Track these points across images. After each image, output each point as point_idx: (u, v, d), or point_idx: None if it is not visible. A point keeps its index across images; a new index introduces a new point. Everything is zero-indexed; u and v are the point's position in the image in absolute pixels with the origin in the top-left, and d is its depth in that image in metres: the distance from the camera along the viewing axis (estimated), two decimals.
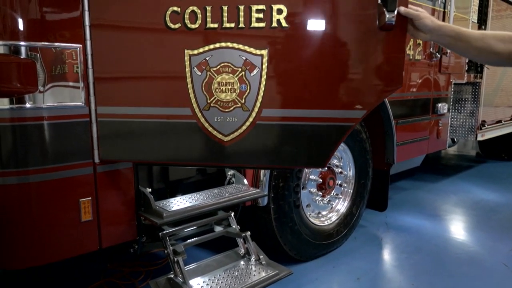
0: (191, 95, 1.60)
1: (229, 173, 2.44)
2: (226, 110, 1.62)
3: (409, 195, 4.82)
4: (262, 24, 1.56)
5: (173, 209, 1.95)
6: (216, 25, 1.57)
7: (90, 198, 1.78)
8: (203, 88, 1.62)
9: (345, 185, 3.24)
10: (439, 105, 4.19)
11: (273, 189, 2.64)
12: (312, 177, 2.98)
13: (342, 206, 3.24)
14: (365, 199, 3.40)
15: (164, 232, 2.04)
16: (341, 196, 3.22)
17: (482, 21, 4.87)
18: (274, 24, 1.57)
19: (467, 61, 4.58)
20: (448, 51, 4.04)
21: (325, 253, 3.11)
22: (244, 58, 1.59)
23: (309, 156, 1.68)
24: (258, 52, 1.58)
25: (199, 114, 1.64)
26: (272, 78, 1.61)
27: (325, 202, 3.10)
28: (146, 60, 1.62)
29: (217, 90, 1.60)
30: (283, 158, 1.68)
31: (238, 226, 2.35)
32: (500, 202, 4.60)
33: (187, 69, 1.58)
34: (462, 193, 4.98)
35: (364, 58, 1.61)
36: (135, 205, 1.95)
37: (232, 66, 1.59)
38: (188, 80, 1.58)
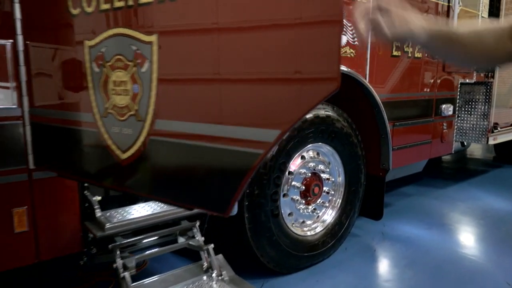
0: (92, 97, 1.33)
1: None
2: (121, 118, 1.29)
3: (412, 202, 4.52)
4: None
5: (120, 219, 1.79)
6: (108, 6, 1.25)
7: (26, 207, 1.63)
8: (101, 89, 1.32)
9: (333, 192, 3.01)
10: (443, 106, 3.91)
11: (247, 196, 2.45)
12: (294, 183, 2.76)
13: (329, 215, 3.01)
14: (356, 208, 3.16)
15: (115, 244, 1.87)
16: (328, 204, 2.99)
17: (494, 16, 4.54)
18: None
19: None
20: None
21: (309, 265, 2.89)
22: (134, 48, 1.25)
23: (207, 195, 1.23)
24: (146, 39, 1.21)
25: (99, 122, 1.34)
26: (164, 76, 1.22)
27: (310, 210, 2.88)
28: (62, 55, 1.43)
29: (113, 92, 1.29)
30: (178, 193, 1.27)
31: (203, 238, 2.17)
32: (511, 212, 4.26)
33: (87, 65, 1.33)
34: (471, 200, 4.64)
35: (288, 48, 1.09)
36: (80, 215, 1.79)
37: (124, 60, 1.27)
38: (89, 78, 1.33)
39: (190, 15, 1.14)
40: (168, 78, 1.23)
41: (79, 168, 1.48)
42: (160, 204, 2.11)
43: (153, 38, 1.21)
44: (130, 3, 1.22)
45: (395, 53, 3.27)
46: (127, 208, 2.04)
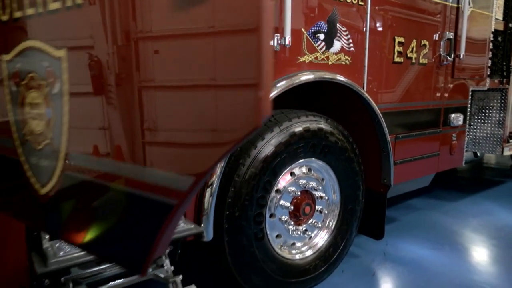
0: (11, 120, 1.14)
1: None
2: (38, 147, 1.11)
3: (420, 217, 4.23)
4: (57, 5, 0.99)
5: (69, 251, 1.59)
6: (20, 14, 1.07)
7: None
8: (19, 111, 1.14)
9: (327, 211, 2.76)
10: (453, 116, 3.61)
11: (227, 219, 2.23)
12: (282, 202, 2.53)
13: (322, 236, 2.77)
14: (353, 228, 2.91)
15: (67, 276, 1.68)
16: (320, 225, 2.74)
17: (509, 18, 4.22)
18: (69, 2, 0.97)
19: (489, 64, 3.95)
20: (463, 52, 3.45)
21: None
22: (46, 64, 1.06)
23: (121, 249, 1.00)
24: (56, 53, 1.02)
25: (19, 149, 1.16)
26: (76, 98, 1.02)
27: (301, 231, 2.64)
28: None
29: (29, 115, 1.11)
30: (93, 241, 1.02)
31: (172, 267, 1.96)
32: None
33: (5, 82, 1.14)
34: (484, 216, 4.32)
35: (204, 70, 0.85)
36: (26, 244, 1.60)
37: (37, 79, 1.08)
38: (7, 98, 1.13)
39: (100, 25, 0.92)
40: (78, 102, 1.02)
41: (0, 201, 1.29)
42: None
43: (62, 53, 1.01)
44: (40, 10, 1.03)
45: (397, 59, 3.01)
46: None
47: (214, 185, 2.16)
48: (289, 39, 2.18)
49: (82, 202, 1.04)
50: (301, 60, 2.43)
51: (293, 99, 2.68)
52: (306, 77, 2.52)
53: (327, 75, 2.59)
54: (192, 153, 0.83)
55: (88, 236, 0.98)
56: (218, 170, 2.17)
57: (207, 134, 0.80)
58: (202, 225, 2.11)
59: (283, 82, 2.43)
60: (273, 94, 2.34)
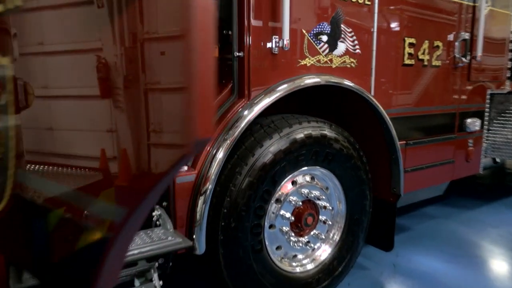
0: None
1: (154, 213, 1.96)
2: None
3: (434, 226, 4.02)
4: None
5: None
6: None
7: None
8: None
9: (331, 222, 2.63)
10: (469, 120, 3.42)
11: (222, 230, 2.12)
12: (283, 213, 2.41)
13: (325, 248, 2.63)
14: (359, 239, 2.76)
15: None
16: (324, 236, 2.61)
17: None
18: None
19: (509, 66, 3.73)
20: (480, 53, 3.26)
21: None
22: None
23: (65, 279, 0.89)
24: (1, 61, 0.91)
25: None
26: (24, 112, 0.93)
27: (303, 243, 2.51)
28: None
29: None
30: (36, 268, 0.97)
31: (161, 282, 1.86)
32: None
33: None
34: (504, 226, 4.08)
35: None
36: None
37: None
38: None
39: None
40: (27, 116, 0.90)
41: None
42: None
43: (5, 60, 0.92)
44: None
45: (407, 61, 2.85)
46: None
47: (208, 194, 2.05)
48: (287, 41, 2.07)
49: (26, 226, 0.94)
50: (302, 63, 2.31)
51: (295, 104, 2.57)
52: (312, 80, 2.40)
53: (333, 79, 2.46)
54: (124, 187, 0.73)
55: (32, 263, 0.90)
56: (212, 177, 2.06)
57: (135, 166, 0.69)
58: (194, 236, 2.01)
59: (285, 86, 2.31)
60: (274, 98, 2.23)
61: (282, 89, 2.30)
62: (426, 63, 2.98)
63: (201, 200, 2.04)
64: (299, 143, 2.31)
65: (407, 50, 2.83)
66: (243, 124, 2.17)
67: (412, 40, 2.85)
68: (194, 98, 0.57)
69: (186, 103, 0.58)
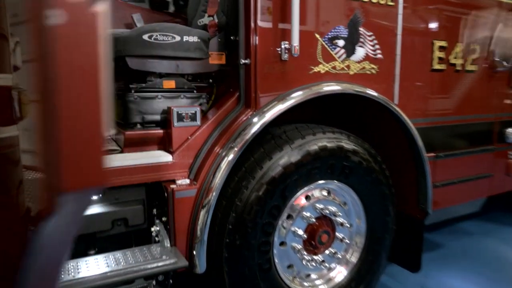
0: None
1: (153, 228, 1.88)
2: None
3: (469, 244, 3.69)
4: None
5: None
6: None
7: None
8: None
9: (348, 241, 2.43)
10: (509, 130, 3.10)
11: (227, 247, 2.01)
12: (295, 229, 2.26)
13: (342, 268, 2.44)
14: (381, 259, 2.54)
15: None
16: (341, 256, 2.42)
17: None
18: None
19: None
20: None
21: None
22: None
23: None
24: None
25: None
26: None
27: (317, 262, 2.34)
28: None
29: None
30: None
31: None
32: None
33: None
34: None
35: None
36: None
37: None
38: None
39: None
40: None
41: None
42: (84, 263, 1.74)
43: None
44: None
45: (437, 66, 2.61)
46: (75, 262, 1.71)
47: (209, 207, 1.93)
48: (297, 47, 1.92)
49: None
50: (315, 70, 2.15)
51: (308, 113, 2.41)
52: (331, 88, 2.24)
53: (356, 87, 2.28)
54: None
55: None
56: (215, 189, 1.94)
57: None
58: (194, 253, 1.90)
59: (300, 93, 2.17)
60: (289, 105, 2.09)
61: (297, 96, 2.16)
62: (459, 68, 2.72)
63: (202, 215, 1.93)
64: (312, 156, 2.15)
65: (437, 54, 2.59)
66: (253, 130, 2.03)
67: (443, 43, 2.61)
68: (53, 142, 0.45)
69: (43, 149, 0.45)
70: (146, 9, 2.81)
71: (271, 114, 2.07)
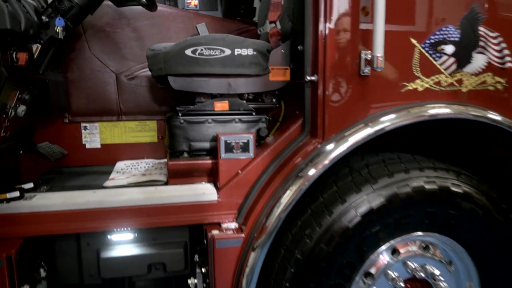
0: None
1: (190, 281, 1.56)
2: None
3: None
4: None
5: None
6: None
7: None
8: None
9: None
10: None
11: None
12: None
13: None
14: None
15: None
16: None
17: None
18: None
19: None
20: None
21: None
22: None
23: None
24: None
25: None
26: None
27: None
28: None
29: None
30: None
31: None
32: None
33: None
34: None
35: None
36: None
37: None
38: None
39: None
40: None
41: None
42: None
43: None
44: None
45: None
46: None
47: (259, 253, 1.53)
48: (381, 58, 1.41)
49: None
50: (409, 88, 1.60)
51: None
52: (437, 111, 1.67)
53: (473, 111, 1.67)
54: None
55: None
56: (268, 232, 1.54)
57: None
58: None
59: (392, 116, 1.65)
60: (376, 130, 1.60)
61: (388, 120, 1.65)
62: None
63: (251, 258, 1.54)
64: (402, 201, 1.62)
65: None
66: (326, 161, 1.59)
67: None
68: None
69: None
70: (216, 17, 2.55)
71: (353, 141, 1.60)
